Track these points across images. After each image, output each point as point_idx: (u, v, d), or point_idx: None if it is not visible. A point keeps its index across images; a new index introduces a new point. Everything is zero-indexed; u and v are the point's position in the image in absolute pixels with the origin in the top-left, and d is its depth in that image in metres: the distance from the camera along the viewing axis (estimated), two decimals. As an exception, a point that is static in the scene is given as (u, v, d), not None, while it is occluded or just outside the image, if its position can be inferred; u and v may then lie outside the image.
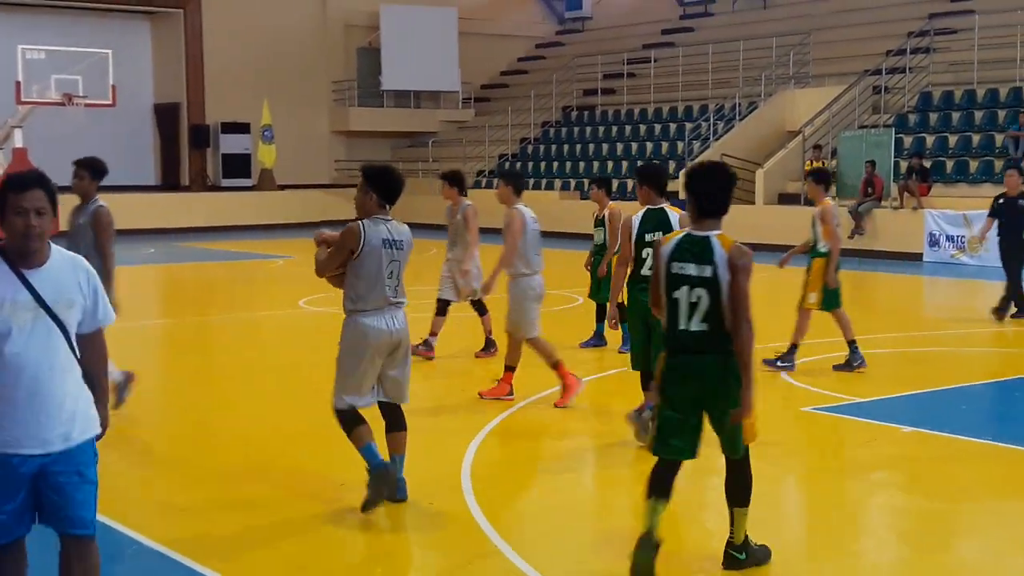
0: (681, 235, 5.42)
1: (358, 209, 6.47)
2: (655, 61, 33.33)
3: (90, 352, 4.34)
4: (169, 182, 34.32)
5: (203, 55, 33.59)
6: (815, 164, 24.12)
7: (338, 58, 36.20)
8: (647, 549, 5.31)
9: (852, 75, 26.70)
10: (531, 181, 31.83)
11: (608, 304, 8.61)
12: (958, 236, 21.18)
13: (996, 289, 18.54)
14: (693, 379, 5.31)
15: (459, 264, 11.07)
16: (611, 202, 11.63)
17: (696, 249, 5.29)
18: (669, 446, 5.36)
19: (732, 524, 5.52)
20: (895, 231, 22.47)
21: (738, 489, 5.49)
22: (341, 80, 36.18)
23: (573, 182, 30.35)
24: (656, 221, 7.64)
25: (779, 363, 10.38)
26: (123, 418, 8.19)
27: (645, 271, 7.56)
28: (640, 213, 7.76)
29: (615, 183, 28.76)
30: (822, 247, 10.35)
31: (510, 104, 35.31)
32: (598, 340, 11.85)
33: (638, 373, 7.92)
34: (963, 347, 12.53)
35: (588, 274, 11.99)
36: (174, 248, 26.11)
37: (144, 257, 23.60)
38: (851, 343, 10.36)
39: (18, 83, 25.65)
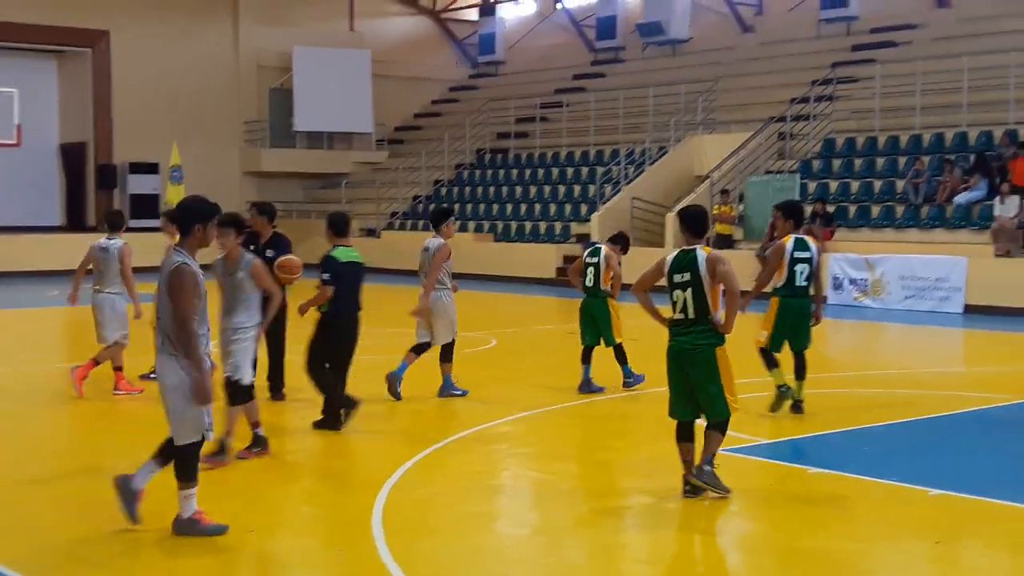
0: None
1: None
2: (567, 106, 33.75)
3: None
4: (75, 223, 33.71)
5: (111, 94, 33.18)
6: (722, 208, 24.60)
7: (250, 99, 36.02)
8: None
9: (758, 121, 27.31)
10: (444, 223, 31.88)
11: None
12: (861, 279, 21.68)
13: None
14: None
15: None
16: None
17: None
18: None
19: None
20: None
21: None
22: (253, 121, 35.99)
23: (487, 224, 30.46)
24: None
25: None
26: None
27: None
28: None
29: (528, 225, 29.05)
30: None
31: (424, 146, 35.42)
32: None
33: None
34: (865, 388, 12.80)
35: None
36: (79, 291, 25.39)
37: (48, 300, 23.08)
38: None
39: (-81, 121, 25.12)
